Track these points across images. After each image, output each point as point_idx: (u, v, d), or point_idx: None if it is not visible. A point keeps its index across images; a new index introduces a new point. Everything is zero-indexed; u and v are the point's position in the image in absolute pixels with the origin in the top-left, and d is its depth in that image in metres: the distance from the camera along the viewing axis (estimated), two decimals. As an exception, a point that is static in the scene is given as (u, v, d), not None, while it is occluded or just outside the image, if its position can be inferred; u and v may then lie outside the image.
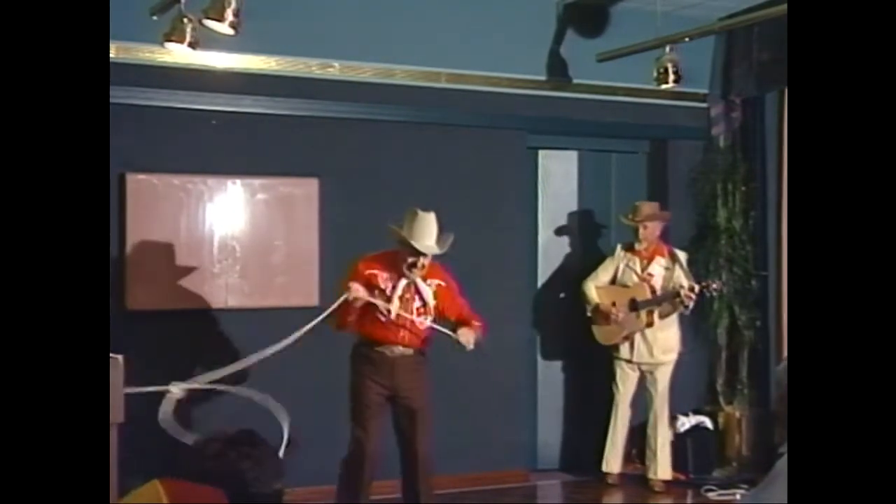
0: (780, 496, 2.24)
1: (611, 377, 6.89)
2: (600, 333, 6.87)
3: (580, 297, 6.92)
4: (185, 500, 2.18)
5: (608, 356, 6.91)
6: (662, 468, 6.80)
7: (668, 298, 6.64)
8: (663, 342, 6.76)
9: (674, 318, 6.79)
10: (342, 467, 5.42)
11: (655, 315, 6.69)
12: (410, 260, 5.22)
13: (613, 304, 6.77)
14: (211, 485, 2.27)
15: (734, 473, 7.03)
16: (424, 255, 5.22)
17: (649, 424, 6.82)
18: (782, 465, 2.32)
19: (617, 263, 6.88)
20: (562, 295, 7.35)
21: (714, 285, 6.67)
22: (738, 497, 6.39)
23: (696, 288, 6.54)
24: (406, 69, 6.65)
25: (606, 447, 6.90)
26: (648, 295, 6.69)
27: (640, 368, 6.82)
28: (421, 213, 5.23)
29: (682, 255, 6.83)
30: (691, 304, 6.58)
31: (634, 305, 6.71)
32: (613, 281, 6.87)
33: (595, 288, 6.85)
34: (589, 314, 6.88)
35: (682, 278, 6.65)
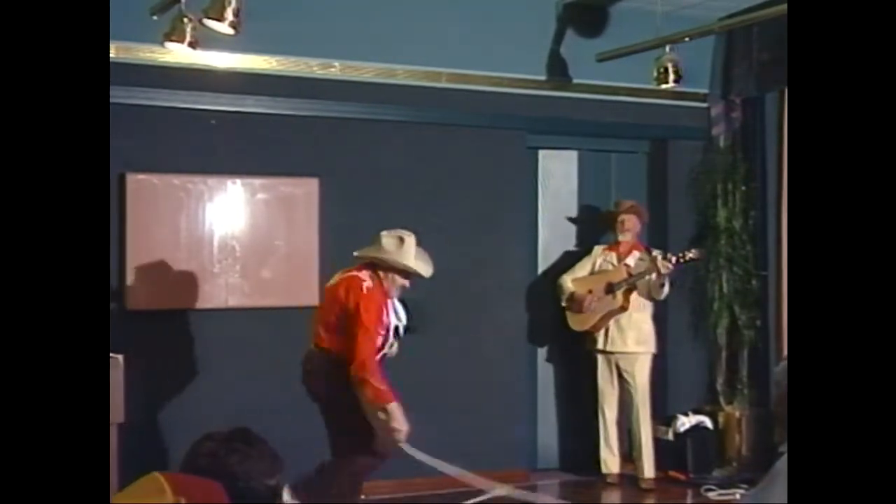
0: (780, 496, 2.24)
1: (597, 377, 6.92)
2: (574, 320, 6.91)
3: (556, 292, 6.97)
4: (185, 492, 2.20)
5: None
6: (647, 467, 6.78)
7: (644, 275, 6.65)
8: (636, 331, 6.77)
9: (648, 309, 6.81)
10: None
11: (632, 298, 6.70)
12: (401, 282, 5.16)
13: (590, 291, 6.81)
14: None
15: (734, 473, 7.02)
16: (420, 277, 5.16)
17: (632, 422, 6.81)
18: (782, 465, 2.32)
19: (594, 260, 6.96)
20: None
21: (690, 254, 6.64)
22: (738, 497, 6.39)
23: (673, 258, 6.56)
24: (407, 69, 6.65)
25: (601, 448, 6.91)
26: (625, 276, 6.73)
27: (616, 363, 6.81)
28: (408, 238, 5.10)
29: (657, 252, 6.83)
30: (669, 274, 6.54)
31: (610, 288, 6.75)
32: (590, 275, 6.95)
33: (571, 280, 6.92)
34: (564, 304, 6.92)
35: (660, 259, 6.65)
